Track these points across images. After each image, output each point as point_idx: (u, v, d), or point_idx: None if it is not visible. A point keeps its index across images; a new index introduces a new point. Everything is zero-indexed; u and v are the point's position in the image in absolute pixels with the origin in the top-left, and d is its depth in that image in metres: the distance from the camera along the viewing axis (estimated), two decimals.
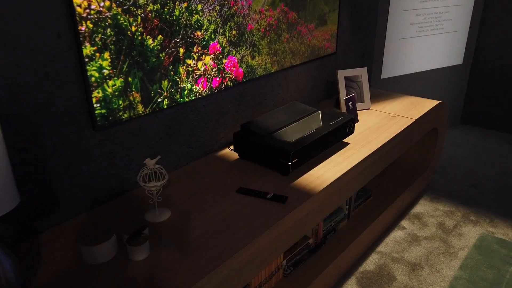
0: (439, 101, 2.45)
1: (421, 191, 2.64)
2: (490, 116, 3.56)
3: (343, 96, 2.29)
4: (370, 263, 2.02)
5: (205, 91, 1.71)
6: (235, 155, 1.82)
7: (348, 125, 1.86)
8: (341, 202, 1.70)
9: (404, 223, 2.33)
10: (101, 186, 1.45)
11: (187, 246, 1.23)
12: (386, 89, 3.15)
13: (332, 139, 1.79)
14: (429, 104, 2.41)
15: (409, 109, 2.33)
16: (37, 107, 1.21)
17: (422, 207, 2.48)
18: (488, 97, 3.53)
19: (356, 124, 2.14)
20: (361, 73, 2.34)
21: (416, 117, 2.21)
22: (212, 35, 1.67)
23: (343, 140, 1.95)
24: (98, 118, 1.35)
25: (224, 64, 1.76)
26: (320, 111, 1.92)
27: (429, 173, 2.64)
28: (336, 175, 1.63)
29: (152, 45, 1.45)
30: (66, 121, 1.29)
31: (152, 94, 1.51)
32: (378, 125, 2.12)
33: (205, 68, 1.68)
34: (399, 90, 3.23)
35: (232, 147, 1.91)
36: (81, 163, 1.36)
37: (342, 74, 2.30)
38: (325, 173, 1.65)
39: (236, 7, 1.73)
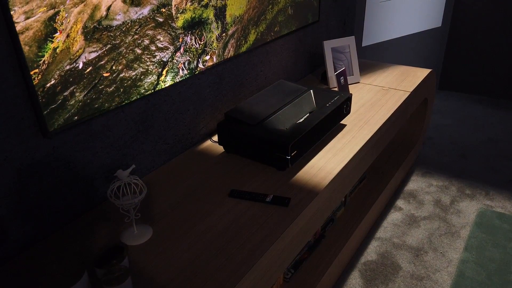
0: (429, 70, 2.27)
1: (412, 166, 2.50)
2: (469, 80, 3.46)
3: (331, 70, 2.06)
4: (372, 252, 1.87)
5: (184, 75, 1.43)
6: (220, 148, 1.57)
7: (345, 105, 1.64)
8: (345, 193, 1.51)
9: (400, 203, 2.19)
10: (60, 206, 1.16)
11: (177, 277, 0.99)
12: (366, 58, 2.95)
13: (330, 123, 1.57)
14: (420, 73, 2.23)
15: (401, 81, 2.14)
16: None
17: (415, 183, 2.35)
18: (467, 60, 3.41)
19: None
20: (349, 42, 2.11)
21: (411, 89, 2.02)
22: None
23: (340, 122, 1.73)
24: (49, 122, 1.05)
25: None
26: (312, 90, 1.69)
27: (418, 146, 2.50)
28: (340, 165, 1.42)
29: None
30: (4, 131, 0.98)
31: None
32: (372, 100, 1.92)
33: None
34: (377, 58, 3.04)
35: (215, 139, 1.65)
36: (31, 181, 1.07)
37: (328, 45, 2.06)
38: (327, 164, 1.43)
39: None
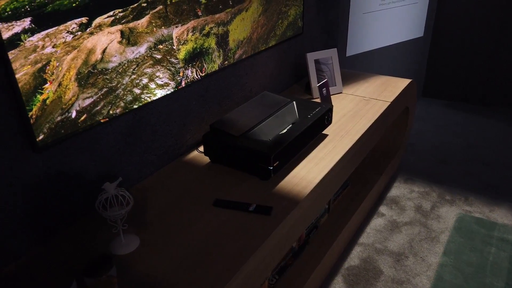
0: (410, 80, 2.35)
1: (395, 172, 2.57)
2: (451, 87, 3.57)
3: (314, 82, 2.13)
4: (355, 257, 1.92)
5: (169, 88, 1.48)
6: (205, 159, 1.61)
7: (326, 116, 1.70)
8: (326, 201, 1.56)
9: (383, 209, 2.26)
10: (48, 218, 1.20)
11: (161, 284, 1.04)
12: (349, 67, 3.03)
13: (311, 134, 1.63)
14: (401, 84, 2.31)
15: (382, 91, 2.21)
16: None
17: (397, 190, 2.42)
18: (449, 68, 3.52)
19: None
20: (331, 54, 2.18)
21: (391, 99, 2.10)
22: None
23: (322, 132, 1.79)
24: (39, 134, 1.09)
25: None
26: (294, 102, 1.75)
27: (401, 153, 2.58)
28: (321, 174, 1.48)
29: None
30: None
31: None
32: (353, 111, 1.99)
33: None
34: (362, 67, 3.12)
35: (201, 149, 1.69)
36: (18, 197, 1.10)
37: (311, 57, 2.13)
38: (308, 173, 1.49)
39: None
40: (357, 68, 3.09)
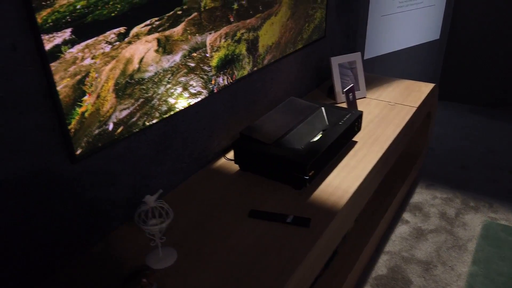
0: (433, 84, 2.32)
1: (416, 178, 2.54)
2: (467, 91, 3.52)
3: (338, 86, 2.09)
4: (382, 266, 1.89)
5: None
6: (234, 166, 1.58)
7: (356, 123, 1.67)
8: (359, 210, 1.53)
9: (406, 215, 2.22)
10: (82, 228, 1.17)
11: None
12: (367, 71, 2.99)
13: (343, 141, 1.59)
14: (424, 88, 2.27)
15: (406, 96, 2.17)
16: None
17: (420, 196, 2.38)
18: (465, 71, 3.48)
19: None
20: (356, 58, 2.15)
21: (417, 104, 2.06)
22: None
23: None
24: (77, 148, 1.06)
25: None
26: (323, 108, 1.71)
27: (422, 158, 2.54)
28: (355, 183, 1.45)
29: None
30: (33, 158, 0.99)
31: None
32: (380, 116, 1.95)
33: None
34: (378, 71, 3.09)
35: (228, 156, 1.66)
36: (55, 207, 1.07)
37: (336, 61, 2.09)
38: (342, 182, 1.45)
39: None
40: (374, 72, 3.05)
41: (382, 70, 3.11)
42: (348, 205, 1.38)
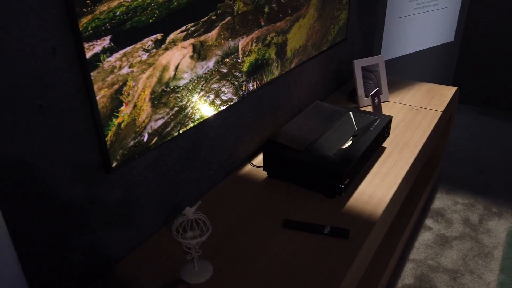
0: (455, 88, 2.27)
1: (435, 183, 2.49)
2: (482, 93, 3.48)
3: (361, 90, 2.05)
4: (408, 275, 1.85)
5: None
6: (261, 173, 1.53)
7: (386, 128, 1.63)
8: (392, 218, 1.49)
9: (429, 222, 2.18)
10: (114, 238, 1.12)
11: None
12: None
13: (374, 147, 1.55)
14: (446, 91, 2.23)
15: (429, 99, 2.13)
16: (31, 154, 0.86)
17: (441, 201, 2.34)
18: (480, 74, 3.44)
19: None
20: (378, 61, 2.10)
21: (442, 109, 2.02)
22: None
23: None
24: (113, 163, 1.01)
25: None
26: (351, 113, 1.67)
27: (442, 163, 2.50)
28: (390, 191, 1.40)
29: None
30: (69, 168, 0.94)
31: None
32: (405, 121, 1.91)
33: None
34: (394, 73, 3.05)
35: (254, 162, 1.62)
36: (90, 219, 1.03)
37: (358, 64, 2.05)
38: (376, 191, 1.41)
39: None
40: (390, 74, 3.01)
41: (397, 72, 3.07)
42: (386, 214, 1.33)
